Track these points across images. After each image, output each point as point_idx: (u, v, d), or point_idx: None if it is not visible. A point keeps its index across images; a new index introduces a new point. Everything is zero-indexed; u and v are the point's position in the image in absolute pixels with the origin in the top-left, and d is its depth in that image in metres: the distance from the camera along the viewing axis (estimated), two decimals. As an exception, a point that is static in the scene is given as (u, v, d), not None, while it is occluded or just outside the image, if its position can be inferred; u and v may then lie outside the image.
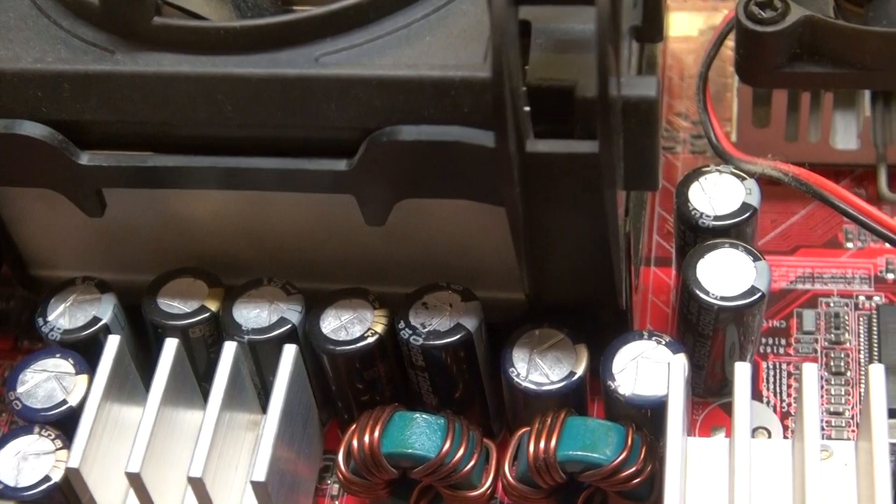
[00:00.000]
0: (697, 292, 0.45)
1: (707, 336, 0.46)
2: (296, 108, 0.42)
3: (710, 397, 0.48)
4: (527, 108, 0.40)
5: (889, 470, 0.40)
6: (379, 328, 0.45)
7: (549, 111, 0.41)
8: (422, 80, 0.41)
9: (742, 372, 0.42)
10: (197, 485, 0.42)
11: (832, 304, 0.50)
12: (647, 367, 0.44)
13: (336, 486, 0.48)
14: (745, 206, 0.47)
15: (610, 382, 0.44)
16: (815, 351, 0.49)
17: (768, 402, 0.48)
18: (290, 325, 0.46)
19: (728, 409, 0.48)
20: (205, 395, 0.47)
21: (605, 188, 0.41)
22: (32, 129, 0.43)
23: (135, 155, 0.44)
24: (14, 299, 0.51)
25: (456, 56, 0.42)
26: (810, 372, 0.42)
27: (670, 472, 0.40)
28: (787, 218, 0.53)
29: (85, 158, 0.44)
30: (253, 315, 0.46)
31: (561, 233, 0.43)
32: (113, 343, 0.45)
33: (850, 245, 0.52)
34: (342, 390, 0.47)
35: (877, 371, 0.41)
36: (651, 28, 0.45)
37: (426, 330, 0.45)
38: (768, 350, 0.49)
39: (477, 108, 0.41)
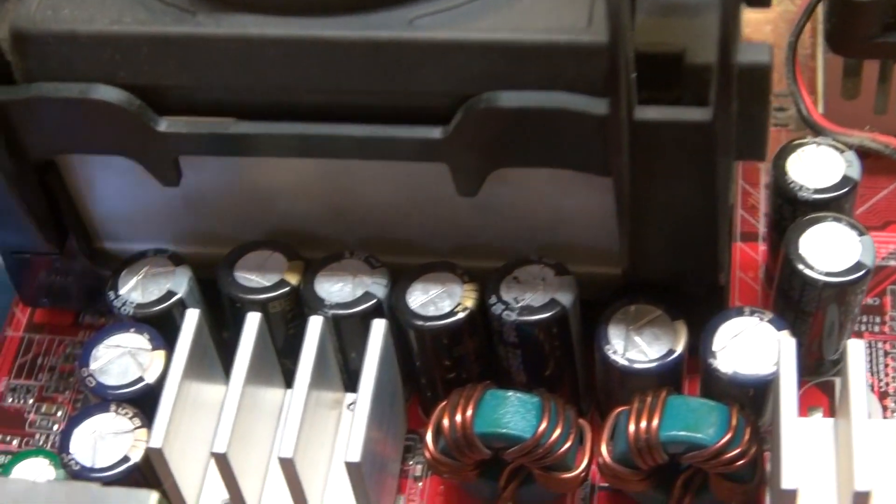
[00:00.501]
0: (801, 268, 0.43)
1: (809, 313, 0.44)
2: (388, 73, 0.40)
3: (806, 376, 0.47)
4: (633, 75, 0.39)
5: None
6: (469, 303, 0.44)
7: (655, 78, 0.39)
8: (524, 45, 0.39)
9: (856, 350, 0.40)
10: (287, 465, 0.41)
11: (927, 281, 0.49)
12: (749, 345, 0.43)
13: (419, 466, 0.46)
14: (845, 179, 0.45)
15: (710, 360, 0.43)
16: (911, 329, 0.48)
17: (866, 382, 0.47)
18: (375, 300, 0.44)
19: (825, 388, 0.47)
20: (285, 372, 0.45)
21: (717, 157, 0.39)
22: (109, 93, 0.42)
23: (216, 121, 0.42)
24: (73, 273, 0.49)
25: (559, 19, 0.40)
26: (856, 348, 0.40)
27: (787, 457, 0.39)
28: (875, 193, 0.51)
29: (164, 125, 0.42)
30: (336, 289, 0.45)
31: (665, 204, 0.41)
32: (192, 318, 0.43)
33: (942, 220, 0.51)
34: (428, 367, 0.45)
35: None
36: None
37: (519, 305, 0.43)
38: (863, 328, 0.48)
39: (581, 73, 0.39)
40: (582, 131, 0.39)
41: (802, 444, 0.42)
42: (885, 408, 0.46)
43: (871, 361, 0.47)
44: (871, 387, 0.47)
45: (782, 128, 0.53)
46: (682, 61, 0.39)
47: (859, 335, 0.48)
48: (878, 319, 0.48)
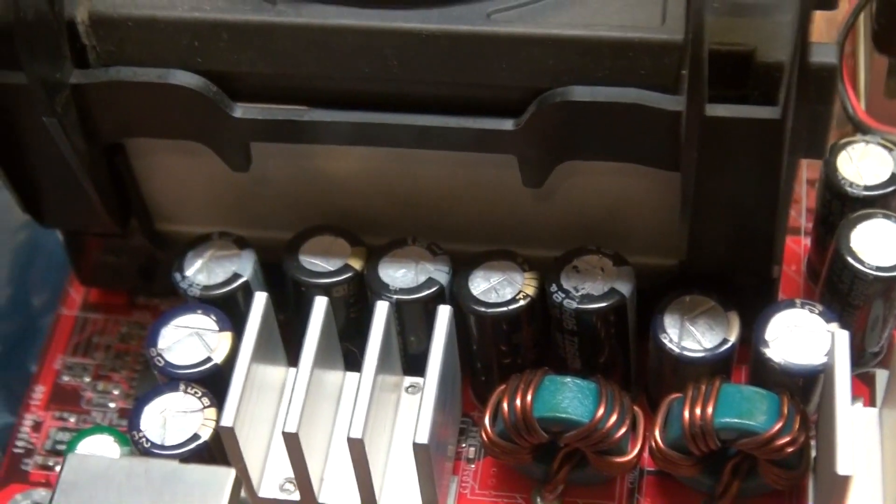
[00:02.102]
0: (853, 262, 0.45)
1: (856, 306, 0.46)
2: (465, 65, 0.41)
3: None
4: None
5: None
6: (530, 290, 0.45)
7: (725, 76, 0.40)
8: (598, 41, 0.41)
9: (841, 338, 0.42)
10: (356, 445, 0.42)
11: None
12: (801, 336, 0.44)
13: (472, 448, 0.48)
14: (894, 177, 0.47)
15: (763, 350, 0.44)
16: (949, 323, 0.49)
17: (906, 375, 0.48)
18: (438, 286, 0.45)
19: (865, 379, 0.48)
20: (345, 355, 0.46)
21: (783, 154, 0.40)
22: (187, 79, 0.42)
23: (291, 109, 0.43)
24: (131, 254, 0.50)
25: (632, 16, 0.41)
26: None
27: (842, 444, 0.40)
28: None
29: (239, 111, 0.43)
30: (399, 275, 0.46)
31: (728, 198, 0.42)
32: (260, 300, 0.44)
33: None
34: (486, 352, 0.46)
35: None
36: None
37: (580, 293, 0.44)
38: (902, 323, 0.49)
39: (655, 70, 0.41)
40: (653, 127, 0.41)
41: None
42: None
43: (911, 355, 0.49)
44: (912, 379, 0.48)
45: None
46: (752, 60, 0.40)
47: (899, 329, 0.49)
48: (916, 314, 0.50)
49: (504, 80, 0.42)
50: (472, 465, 0.47)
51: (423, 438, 0.42)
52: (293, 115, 0.43)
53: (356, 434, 0.41)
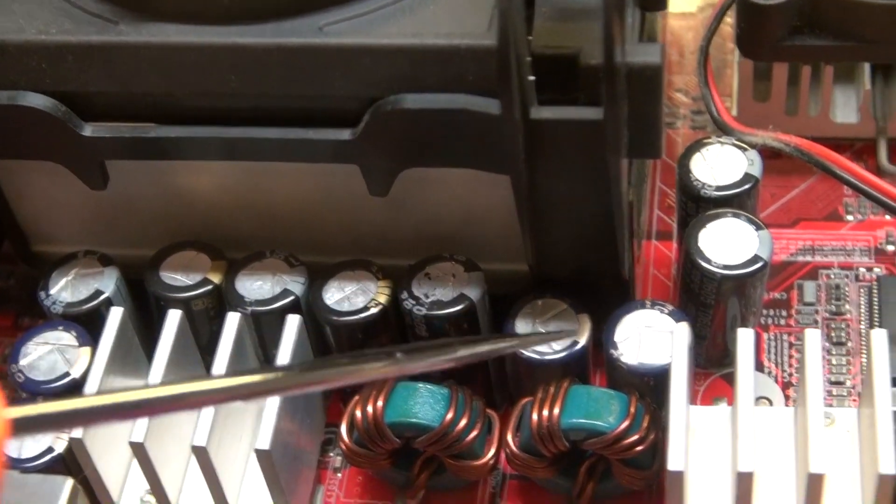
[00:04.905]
0: (700, 261, 0.45)
1: (709, 305, 0.46)
2: (300, 77, 0.42)
3: (711, 368, 0.48)
4: (531, 77, 0.41)
5: (892, 435, 0.40)
6: (382, 299, 0.45)
7: (554, 80, 0.41)
8: (426, 49, 0.41)
9: (745, 337, 0.42)
10: (200, 454, 0.42)
11: (833, 276, 0.50)
12: (650, 336, 0.45)
13: (339, 458, 0.48)
14: (747, 177, 0.47)
15: (613, 351, 0.44)
16: (816, 322, 0.49)
17: (770, 373, 0.48)
18: (293, 297, 0.46)
19: (730, 379, 0.49)
20: (208, 368, 0.47)
21: (609, 155, 0.41)
22: (36, 100, 0.44)
23: (138, 126, 0.44)
24: (14, 276, 0.51)
25: (461, 24, 0.42)
26: (813, 337, 0.42)
27: (674, 439, 0.40)
28: (787, 192, 0.53)
29: (88, 130, 0.44)
30: (256, 287, 0.46)
31: (565, 201, 0.43)
32: (116, 315, 0.45)
33: (850, 218, 0.52)
34: (345, 362, 0.47)
35: (879, 336, 0.41)
36: (655, -5, 0.45)
37: (429, 300, 0.45)
38: (769, 321, 0.50)
39: (482, 76, 0.41)
40: (481, 131, 0.41)
41: (697, 432, 0.44)
42: (787, 397, 0.48)
43: (777, 353, 0.49)
44: (775, 378, 0.48)
45: (700, 130, 0.55)
46: (577, 63, 0.41)
47: (765, 328, 0.49)
48: (784, 313, 0.50)
49: (339, 91, 0.42)
50: (339, 475, 0.48)
51: (265, 445, 0.42)
52: (140, 132, 0.44)
53: (199, 442, 0.42)
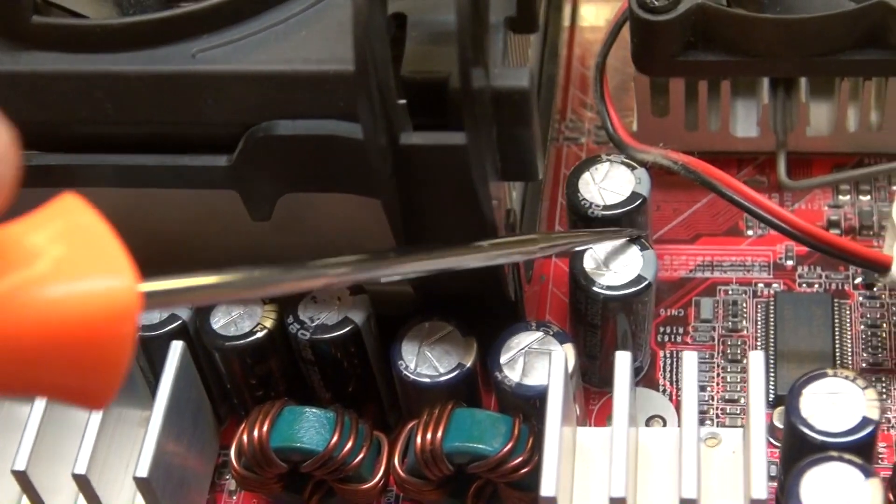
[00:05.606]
0: (584, 282, 0.45)
1: (597, 326, 0.46)
2: (173, 104, 0.42)
3: (605, 387, 0.48)
4: (402, 101, 0.41)
5: (765, 456, 0.40)
6: (268, 323, 0.46)
7: (426, 104, 0.41)
8: (296, 75, 0.41)
9: (623, 361, 0.42)
10: (82, 481, 0.42)
11: (731, 292, 0.50)
12: (534, 358, 0.44)
13: (234, 481, 0.48)
14: (634, 196, 0.47)
15: (497, 373, 0.44)
16: (713, 339, 0.49)
17: (664, 391, 0.48)
18: (180, 322, 0.46)
19: (624, 398, 0.48)
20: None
21: (475, 179, 0.41)
22: (-84, 130, 0.44)
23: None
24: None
25: (331, 50, 0.42)
26: (690, 360, 0.42)
27: (548, 465, 0.40)
28: (689, 206, 0.53)
29: (-31, 159, 0.44)
30: (145, 313, 0.46)
31: (440, 225, 0.43)
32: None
33: (750, 233, 0.52)
34: (236, 386, 0.47)
35: (756, 358, 0.41)
36: (525, 18, 0.44)
37: (314, 324, 0.45)
38: (666, 339, 0.49)
39: (351, 101, 0.41)
40: (353, 156, 0.41)
41: (585, 453, 0.44)
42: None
43: (672, 371, 0.49)
44: (670, 396, 0.48)
45: (603, 145, 0.55)
46: (446, 87, 0.41)
47: (661, 345, 0.49)
48: (680, 330, 0.50)
49: (212, 118, 0.42)
50: (234, 498, 0.48)
51: (143, 472, 0.42)
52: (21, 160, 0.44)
53: (80, 469, 0.42)
